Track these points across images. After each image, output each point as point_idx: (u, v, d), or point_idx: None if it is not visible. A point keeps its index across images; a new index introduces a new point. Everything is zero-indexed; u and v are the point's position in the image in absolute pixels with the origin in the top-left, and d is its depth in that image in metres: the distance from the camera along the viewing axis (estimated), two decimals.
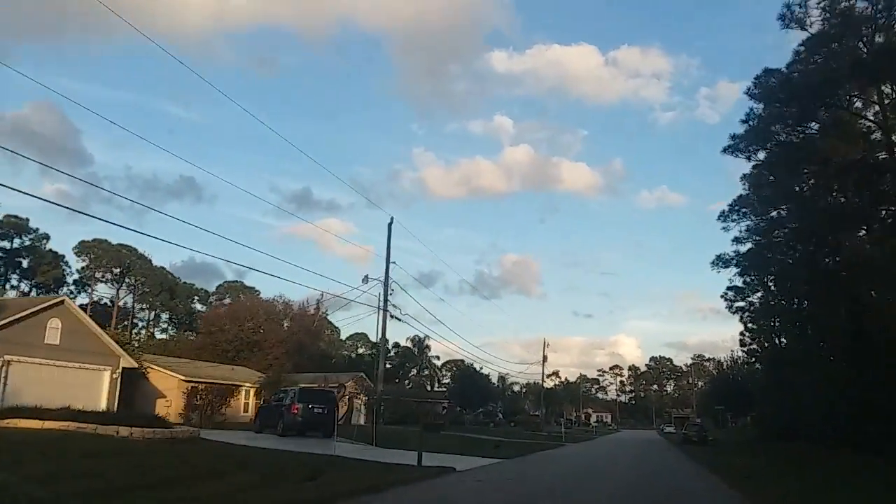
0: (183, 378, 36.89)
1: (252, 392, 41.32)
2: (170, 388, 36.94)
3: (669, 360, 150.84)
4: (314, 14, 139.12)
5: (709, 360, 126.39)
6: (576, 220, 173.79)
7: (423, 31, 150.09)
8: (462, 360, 59.63)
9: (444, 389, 77.05)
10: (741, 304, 51.56)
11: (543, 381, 67.07)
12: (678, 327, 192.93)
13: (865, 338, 28.88)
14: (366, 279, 29.02)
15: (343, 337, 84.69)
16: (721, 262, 47.05)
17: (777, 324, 43.89)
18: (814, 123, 28.69)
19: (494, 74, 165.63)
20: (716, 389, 70.77)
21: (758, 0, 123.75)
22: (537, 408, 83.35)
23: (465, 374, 62.77)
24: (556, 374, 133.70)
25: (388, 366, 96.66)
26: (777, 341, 44.84)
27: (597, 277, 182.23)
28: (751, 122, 28.92)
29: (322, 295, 65.93)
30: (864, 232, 30.14)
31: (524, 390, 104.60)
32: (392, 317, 29.62)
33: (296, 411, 24.72)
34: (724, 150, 30.31)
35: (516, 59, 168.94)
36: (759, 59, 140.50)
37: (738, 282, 51.61)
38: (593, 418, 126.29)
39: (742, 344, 49.64)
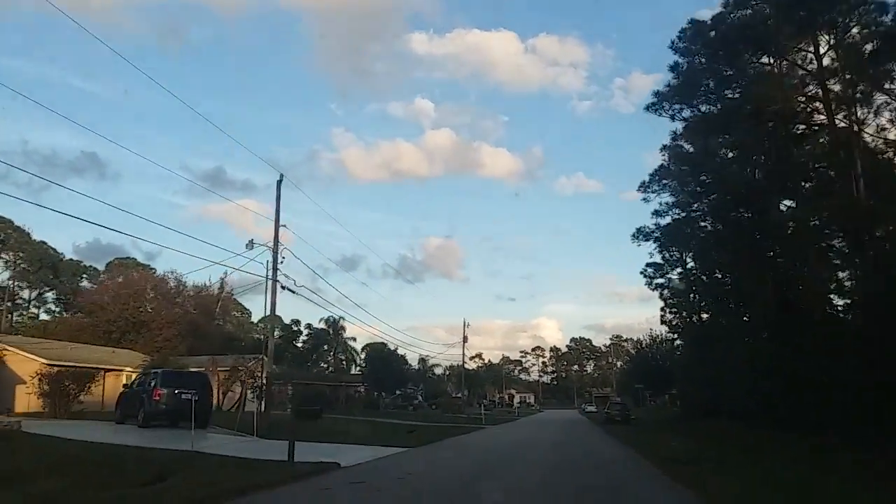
0: (45, 361, 31.57)
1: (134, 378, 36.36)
2: (31, 373, 31.66)
3: (589, 341, 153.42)
4: None
5: (626, 340, 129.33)
6: (497, 205, 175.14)
7: (343, 9, 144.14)
8: (383, 343, 56.15)
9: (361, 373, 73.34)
10: (661, 280, 50.87)
11: (464, 362, 64.74)
12: (596, 310, 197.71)
13: (793, 309, 27.78)
14: (250, 244, 24.97)
15: (254, 319, 79.21)
16: (641, 234, 45.83)
17: (698, 299, 42.96)
18: (739, 83, 26.86)
19: (415, 56, 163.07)
20: (635, 368, 70.77)
21: None
22: (459, 390, 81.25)
23: (379, 356, 59.34)
24: (478, 356, 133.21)
25: (300, 347, 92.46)
26: (698, 318, 44.01)
27: (518, 262, 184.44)
28: (676, 78, 26.87)
29: (226, 273, 60.74)
30: (789, 200, 28.95)
31: (447, 373, 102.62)
32: (283, 288, 25.77)
33: (158, 398, 20.54)
34: (648, 108, 28.27)
35: (437, 42, 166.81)
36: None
37: (658, 258, 51.03)
38: (516, 399, 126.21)
39: (662, 321, 48.86)
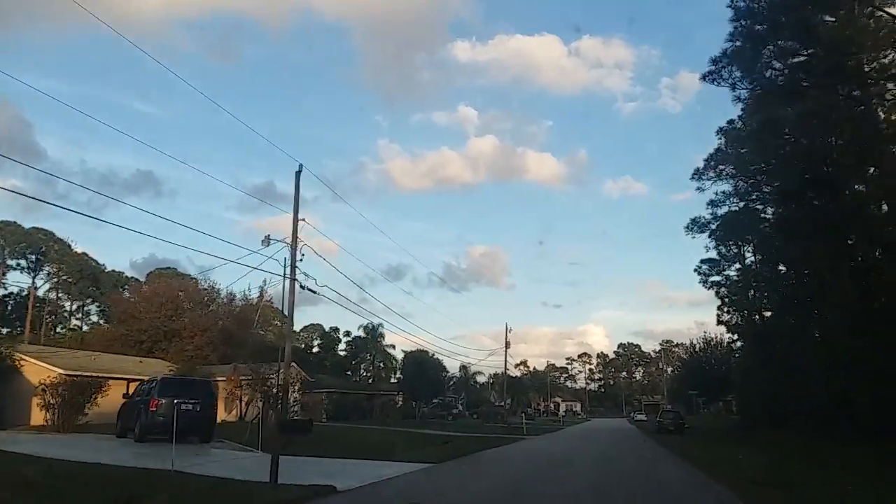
0: (62, 371, 30.28)
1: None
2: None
3: (638, 346, 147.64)
4: (275, 3, 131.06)
5: (677, 345, 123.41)
6: (542, 211, 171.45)
7: (387, 21, 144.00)
8: (424, 351, 53.65)
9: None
10: (717, 277, 47.08)
11: (506, 368, 61.65)
12: (645, 316, 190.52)
13: (874, 300, 24.16)
14: (266, 240, 22.85)
15: (297, 328, 78.06)
16: (696, 226, 42.28)
17: (759, 295, 39.05)
18: (810, 44, 23.42)
19: (458, 64, 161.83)
20: (688, 373, 66.29)
21: None
22: (502, 398, 78.12)
23: (416, 363, 56.85)
24: (523, 363, 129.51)
25: (340, 355, 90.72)
26: (760, 316, 40.07)
27: (564, 268, 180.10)
28: (735, 41, 23.60)
29: (265, 281, 59.58)
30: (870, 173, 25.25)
31: (491, 381, 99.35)
32: (303, 287, 23.55)
33: (155, 408, 18.51)
34: (705, 77, 24.91)
35: (479, 49, 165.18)
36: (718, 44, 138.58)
37: (713, 253, 47.30)
38: (562, 407, 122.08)
39: (719, 322, 44.90)
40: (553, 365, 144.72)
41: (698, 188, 39.94)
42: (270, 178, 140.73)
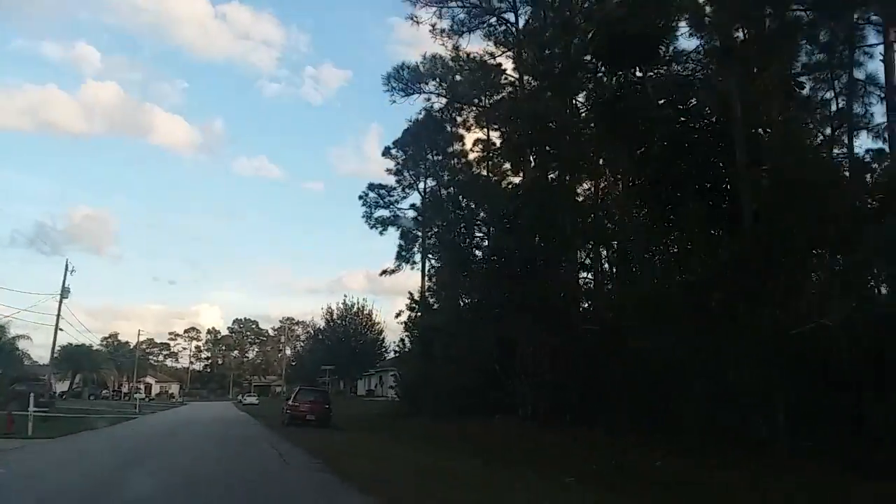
0: None
1: None
2: None
3: (255, 322, 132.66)
4: None
5: (297, 323, 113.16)
6: (167, 178, 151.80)
7: None
8: None
9: None
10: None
11: (58, 324, 39.93)
12: (265, 301, 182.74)
13: None
14: None
15: None
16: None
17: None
18: None
19: None
20: (319, 346, 54.93)
21: None
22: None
23: None
24: (113, 336, 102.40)
25: None
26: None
27: (185, 243, 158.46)
28: None
29: None
30: None
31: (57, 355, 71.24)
32: None
33: None
34: None
35: None
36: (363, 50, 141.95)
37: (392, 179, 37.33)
38: (154, 389, 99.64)
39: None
40: (152, 340, 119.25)
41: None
42: None
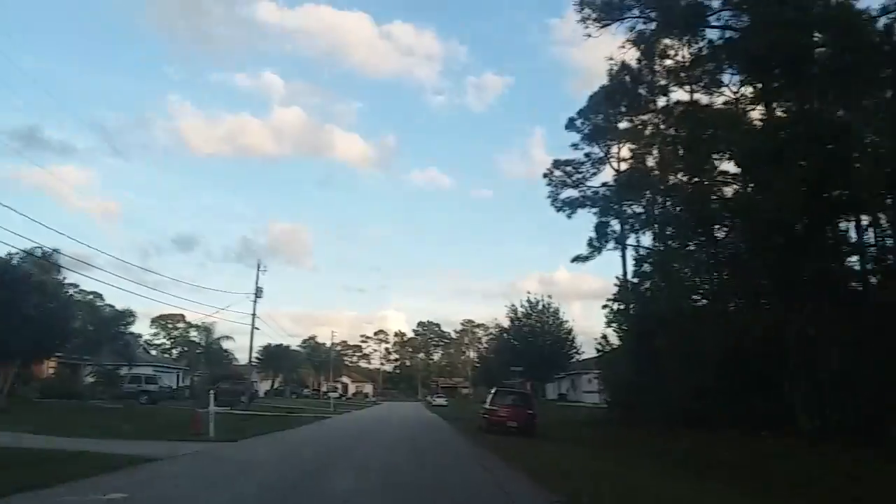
0: None
1: None
2: None
3: (437, 325, 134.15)
4: None
5: (478, 326, 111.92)
6: (348, 192, 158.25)
7: None
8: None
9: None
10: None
11: (254, 324, 41.07)
12: (445, 306, 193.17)
13: None
14: None
15: None
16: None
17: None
18: None
19: (262, 24, 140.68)
20: (506, 348, 51.37)
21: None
22: (250, 371, 57.05)
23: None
24: (312, 338, 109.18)
25: None
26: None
27: (369, 252, 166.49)
28: None
29: None
30: None
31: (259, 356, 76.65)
32: None
33: None
34: None
35: (287, 14, 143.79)
36: (522, 55, 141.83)
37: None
38: (350, 389, 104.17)
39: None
40: (345, 342, 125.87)
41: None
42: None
